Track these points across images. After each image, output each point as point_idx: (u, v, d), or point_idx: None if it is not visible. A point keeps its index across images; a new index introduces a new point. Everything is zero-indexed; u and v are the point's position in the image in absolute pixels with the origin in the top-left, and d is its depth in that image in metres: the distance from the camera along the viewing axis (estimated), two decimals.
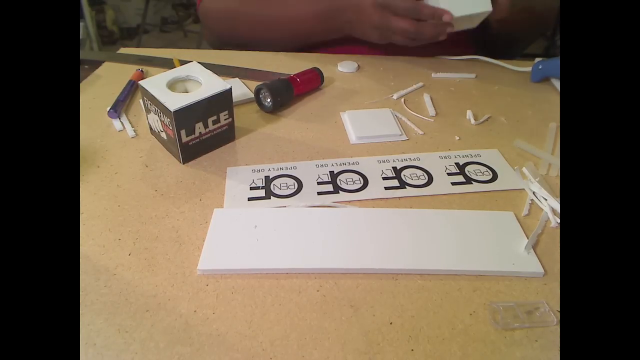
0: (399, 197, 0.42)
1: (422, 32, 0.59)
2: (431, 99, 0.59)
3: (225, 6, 0.74)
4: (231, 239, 0.37)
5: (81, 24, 2.22)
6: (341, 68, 0.66)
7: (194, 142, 0.46)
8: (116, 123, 0.52)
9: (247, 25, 0.74)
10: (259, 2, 0.71)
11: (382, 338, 0.30)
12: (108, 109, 0.53)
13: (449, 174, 0.45)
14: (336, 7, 0.66)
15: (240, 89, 0.60)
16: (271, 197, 0.42)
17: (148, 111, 0.48)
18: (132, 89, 0.59)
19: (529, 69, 0.64)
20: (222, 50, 0.73)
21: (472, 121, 0.53)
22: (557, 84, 0.63)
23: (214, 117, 0.46)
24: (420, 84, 0.62)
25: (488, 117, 0.55)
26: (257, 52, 0.73)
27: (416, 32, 0.59)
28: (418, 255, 0.35)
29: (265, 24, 0.72)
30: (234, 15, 0.74)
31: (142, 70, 0.64)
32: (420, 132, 0.52)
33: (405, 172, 0.45)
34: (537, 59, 0.64)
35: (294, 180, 0.44)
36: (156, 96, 0.43)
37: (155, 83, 0.46)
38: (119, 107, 0.54)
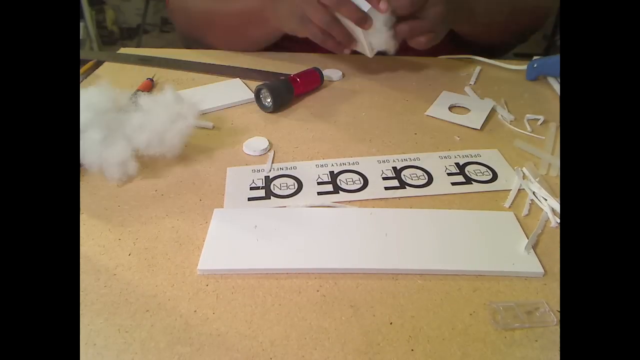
0: (399, 197, 0.42)
1: (333, 30, 0.56)
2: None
3: (184, 5, 0.76)
4: (231, 239, 0.37)
5: (81, 24, 2.22)
6: (328, 74, 0.63)
7: None
8: None
9: (200, 23, 0.75)
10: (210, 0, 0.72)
11: (382, 338, 0.30)
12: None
13: (449, 174, 0.45)
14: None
15: (241, 89, 0.60)
16: (271, 197, 0.42)
17: None
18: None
19: (524, 67, 0.64)
20: (222, 50, 0.73)
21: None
22: (552, 82, 0.63)
23: None
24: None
25: (487, 117, 0.54)
26: (257, 52, 0.73)
27: (328, 24, 0.56)
28: (418, 255, 0.35)
29: (211, 21, 0.73)
30: (190, 13, 0.76)
31: (152, 80, 0.62)
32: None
33: (405, 172, 0.45)
34: (535, 57, 0.64)
35: (294, 181, 0.44)
36: None
37: None
38: None
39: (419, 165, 0.46)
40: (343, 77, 0.64)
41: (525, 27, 0.76)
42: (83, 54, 0.72)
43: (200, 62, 0.69)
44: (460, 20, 0.64)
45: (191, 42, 0.83)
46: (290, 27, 0.63)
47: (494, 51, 0.75)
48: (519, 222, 0.39)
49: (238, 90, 0.60)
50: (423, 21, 0.56)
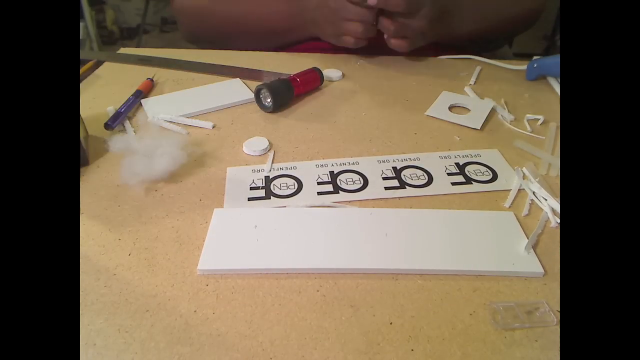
0: (399, 197, 0.42)
1: (369, 34, 0.62)
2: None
3: (198, 3, 0.75)
4: (231, 239, 0.37)
5: (81, 24, 2.22)
6: (327, 74, 0.63)
7: None
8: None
9: (217, 23, 0.75)
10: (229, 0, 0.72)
11: (382, 338, 0.30)
12: (106, 121, 0.51)
13: (449, 174, 0.45)
14: (302, 5, 0.66)
15: (241, 89, 0.60)
16: (271, 197, 0.42)
17: None
18: (137, 100, 0.57)
19: (524, 67, 0.64)
20: (222, 50, 0.73)
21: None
22: (553, 82, 0.63)
23: None
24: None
25: (487, 117, 0.54)
26: (257, 52, 0.73)
27: (364, 33, 0.62)
28: (418, 255, 0.35)
29: (234, 22, 0.73)
30: (205, 12, 0.75)
31: (152, 80, 0.62)
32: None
33: (405, 172, 0.45)
34: (535, 57, 0.64)
35: (294, 181, 0.44)
36: None
37: None
38: (118, 121, 0.52)
39: (419, 165, 0.46)
40: (343, 77, 0.64)
41: (515, 30, 0.77)
42: (83, 54, 0.72)
43: (200, 62, 0.69)
44: (443, 34, 0.67)
45: (198, 42, 0.83)
46: (327, 38, 0.66)
47: (484, 47, 0.76)
48: (519, 222, 0.39)
49: (238, 90, 0.60)
50: (408, 25, 0.61)
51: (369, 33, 0.62)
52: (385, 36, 0.63)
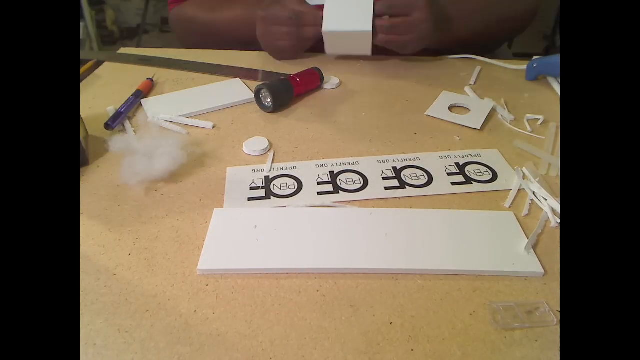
0: (399, 197, 0.42)
1: (303, 34, 0.65)
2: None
3: (184, 14, 0.79)
4: (231, 239, 0.37)
5: (81, 24, 2.22)
6: (326, 78, 0.62)
7: None
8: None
9: (199, 31, 0.78)
10: (209, 10, 0.76)
11: (382, 338, 0.30)
12: (106, 121, 0.51)
13: (449, 174, 0.45)
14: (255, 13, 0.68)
15: (241, 89, 0.60)
16: (271, 197, 0.42)
17: None
18: (137, 100, 0.57)
19: (524, 67, 0.64)
20: (222, 50, 0.74)
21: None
22: (552, 82, 0.63)
23: None
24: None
25: (487, 117, 0.54)
26: (258, 52, 0.73)
27: (298, 34, 0.65)
28: (418, 255, 0.35)
29: (209, 30, 0.76)
30: (190, 21, 0.78)
31: (152, 80, 0.62)
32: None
33: (405, 172, 0.45)
34: (535, 57, 0.64)
35: (294, 181, 0.44)
36: None
37: None
38: (118, 121, 0.52)
39: (419, 165, 0.46)
40: (340, 84, 0.63)
41: (511, 31, 0.78)
42: (83, 54, 0.72)
43: (200, 62, 0.69)
44: (444, 40, 0.67)
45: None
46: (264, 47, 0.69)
47: (481, 49, 0.77)
48: (519, 222, 0.39)
49: (238, 90, 0.60)
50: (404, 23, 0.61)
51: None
52: (380, 35, 0.63)
